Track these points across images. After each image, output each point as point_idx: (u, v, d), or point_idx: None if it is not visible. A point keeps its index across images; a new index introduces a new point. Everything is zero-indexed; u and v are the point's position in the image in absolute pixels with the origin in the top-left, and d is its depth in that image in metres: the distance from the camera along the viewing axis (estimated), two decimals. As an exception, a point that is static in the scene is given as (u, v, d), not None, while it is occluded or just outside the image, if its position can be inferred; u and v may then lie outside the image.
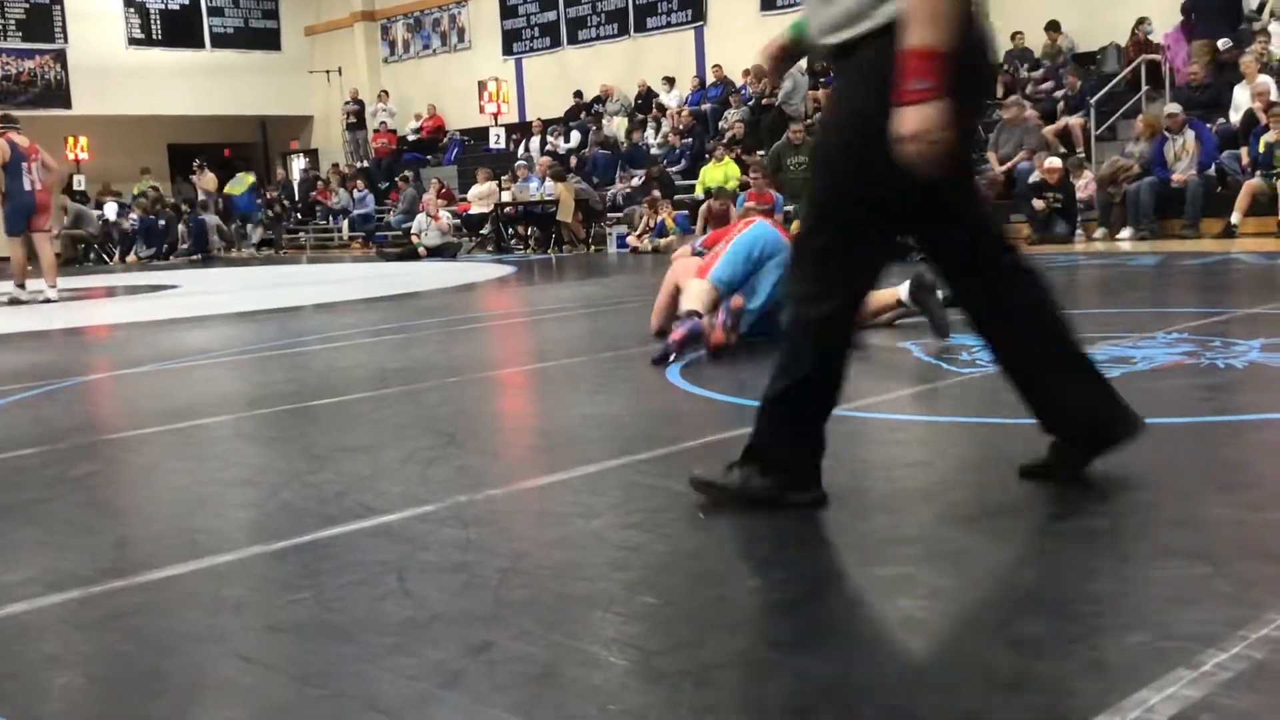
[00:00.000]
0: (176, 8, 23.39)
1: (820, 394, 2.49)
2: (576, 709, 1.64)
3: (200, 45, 23.69)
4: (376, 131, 22.73)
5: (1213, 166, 11.36)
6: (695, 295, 5.03)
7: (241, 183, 21.63)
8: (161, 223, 21.09)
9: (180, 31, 23.42)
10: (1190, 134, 11.38)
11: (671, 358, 4.76)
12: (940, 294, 4.92)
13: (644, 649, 1.83)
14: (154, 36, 23.19)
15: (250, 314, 9.04)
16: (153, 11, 23.17)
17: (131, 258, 20.62)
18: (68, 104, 22.13)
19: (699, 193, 14.59)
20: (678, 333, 4.85)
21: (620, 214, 16.14)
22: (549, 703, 1.66)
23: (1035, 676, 1.65)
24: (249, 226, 21.77)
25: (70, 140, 21.90)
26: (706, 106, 17.84)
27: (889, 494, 2.71)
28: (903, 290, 5.15)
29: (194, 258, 20.21)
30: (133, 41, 22.93)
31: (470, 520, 2.62)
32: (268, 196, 22.41)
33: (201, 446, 3.81)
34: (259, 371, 5.60)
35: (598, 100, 20.07)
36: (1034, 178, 11.92)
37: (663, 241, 13.95)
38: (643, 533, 2.47)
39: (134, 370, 5.92)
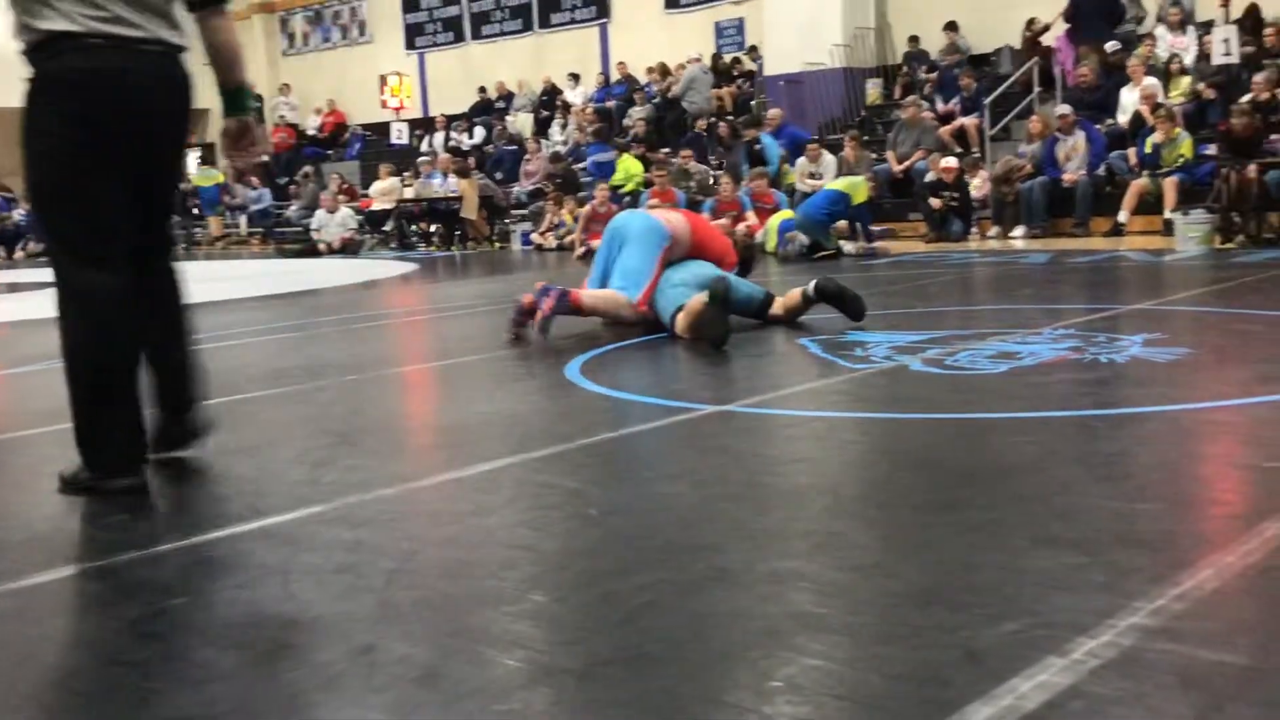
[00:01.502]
0: (66, -4, 22.61)
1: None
2: (457, 710, 1.62)
3: (91, 35, 22.95)
4: (276, 126, 22.30)
5: (1102, 166, 11.69)
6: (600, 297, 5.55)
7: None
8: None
9: (69, 21, 22.64)
10: (1080, 135, 11.69)
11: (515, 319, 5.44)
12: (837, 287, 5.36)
13: (531, 647, 1.82)
14: (41, 26, 22.38)
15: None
16: (40, 0, 22.37)
17: (19, 253, 19.96)
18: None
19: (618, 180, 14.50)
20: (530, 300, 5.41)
21: (525, 210, 16.07)
22: (429, 704, 1.64)
23: (914, 666, 1.67)
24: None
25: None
26: (611, 103, 17.86)
27: (782, 489, 2.74)
28: (809, 287, 5.43)
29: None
30: (19, 31, 22.14)
31: (359, 521, 2.58)
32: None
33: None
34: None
35: (504, 97, 19.97)
36: (930, 177, 12.14)
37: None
38: (534, 530, 2.46)
39: (17, 370, 5.73)
